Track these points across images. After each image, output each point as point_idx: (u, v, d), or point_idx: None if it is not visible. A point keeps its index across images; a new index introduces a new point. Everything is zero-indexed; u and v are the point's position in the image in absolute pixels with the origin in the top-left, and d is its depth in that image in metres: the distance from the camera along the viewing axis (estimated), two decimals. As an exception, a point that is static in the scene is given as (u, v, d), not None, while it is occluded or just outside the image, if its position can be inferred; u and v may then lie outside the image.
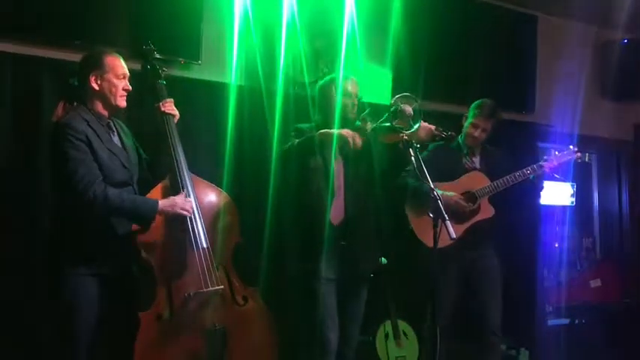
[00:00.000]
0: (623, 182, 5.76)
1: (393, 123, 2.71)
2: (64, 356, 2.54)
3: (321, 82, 3.15)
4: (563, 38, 5.10)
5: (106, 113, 2.61)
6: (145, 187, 2.70)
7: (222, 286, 2.67)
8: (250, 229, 3.17)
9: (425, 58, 4.24)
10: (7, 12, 3.12)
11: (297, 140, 2.93)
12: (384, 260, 3.57)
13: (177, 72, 3.53)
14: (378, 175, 3.00)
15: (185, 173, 2.71)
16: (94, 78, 2.54)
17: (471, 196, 3.50)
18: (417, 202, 3.38)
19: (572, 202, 5.58)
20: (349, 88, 3.00)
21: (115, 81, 2.57)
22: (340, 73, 3.17)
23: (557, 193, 5.39)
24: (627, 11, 4.78)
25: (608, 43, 5.43)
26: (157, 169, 2.79)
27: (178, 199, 2.60)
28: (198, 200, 2.71)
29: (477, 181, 3.53)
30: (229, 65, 3.70)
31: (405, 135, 2.67)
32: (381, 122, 2.80)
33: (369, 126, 2.87)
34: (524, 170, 3.50)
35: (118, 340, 2.56)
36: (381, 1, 4.09)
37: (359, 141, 2.81)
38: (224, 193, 2.89)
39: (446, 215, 2.49)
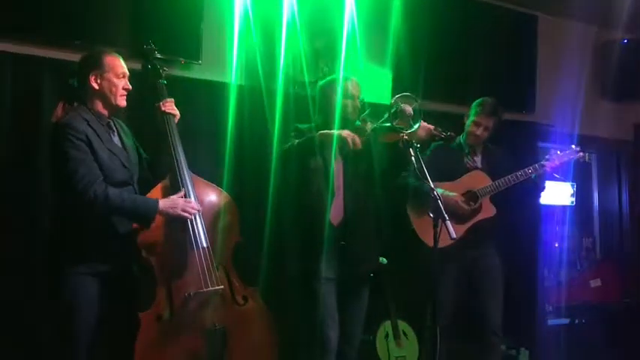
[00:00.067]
0: (623, 182, 5.76)
1: (393, 123, 2.71)
2: (64, 356, 2.54)
3: (321, 83, 3.15)
4: (563, 38, 5.10)
5: (106, 113, 2.61)
6: (146, 186, 2.70)
7: (222, 286, 2.67)
8: (250, 229, 3.17)
9: (425, 57, 4.24)
10: (7, 12, 3.11)
11: (297, 141, 2.92)
12: (384, 260, 3.57)
13: (177, 72, 3.53)
14: (378, 175, 3.00)
15: (185, 173, 2.70)
16: (93, 77, 2.54)
17: (472, 196, 3.50)
18: (418, 201, 3.38)
19: (572, 202, 5.58)
20: (350, 88, 3.00)
21: (115, 80, 2.57)
22: (340, 73, 3.17)
23: (557, 193, 5.39)
24: (627, 11, 4.78)
25: (608, 43, 5.43)
26: (157, 169, 2.79)
27: (180, 201, 2.60)
28: (199, 200, 2.71)
29: (478, 180, 3.53)
30: (229, 65, 3.70)
31: (405, 135, 2.67)
32: (381, 122, 2.80)
33: (369, 126, 2.87)
34: (526, 169, 3.50)
35: (118, 340, 2.56)
36: (381, 0, 4.09)
37: (358, 142, 2.81)
38: (224, 193, 2.88)
39: (446, 215, 2.49)
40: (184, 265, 2.63)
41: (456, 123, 3.70)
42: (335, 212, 2.95)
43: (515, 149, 4.05)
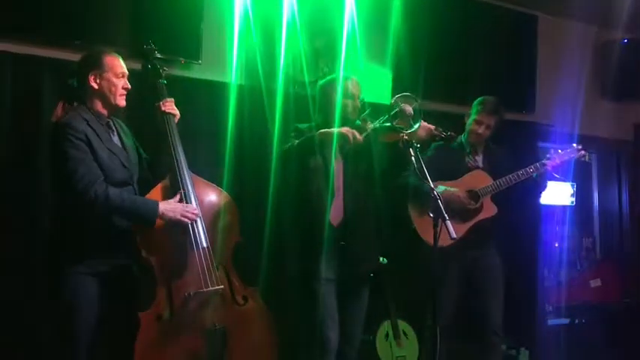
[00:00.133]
0: (623, 182, 5.76)
1: (393, 123, 2.71)
2: (64, 356, 2.54)
3: (321, 82, 3.15)
4: (563, 38, 5.10)
5: (105, 112, 2.61)
6: (145, 186, 2.70)
7: (222, 286, 2.66)
8: (250, 229, 3.17)
9: (425, 57, 4.24)
10: (7, 12, 3.11)
11: (296, 141, 2.92)
12: (384, 260, 3.57)
13: (177, 71, 3.53)
14: (378, 174, 2.99)
15: (185, 173, 2.70)
16: (93, 77, 2.54)
17: (473, 195, 3.49)
18: (419, 201, 3.37)
19: (572, 202, 5.58)
20: (350, 88, 3.00)
21: (115, 80, 2.57)
22: (340, 73, 3.17)
23: (557, 193, 5.39)
24: (627, 11, 4.78)
25: (608, 43, 5.43)
26: (157, 169, 2.78)
27: (179, 205, 2.60)
28: (198, 200, 2.71)
29: (479, 179, 3.53)
30: (229, 65, 3.70)
31: (405, 135, 2.67)
32: (382, 122, 2.80)
33: (370, 125, 2.86)
34: (527, 168, 3.50)
35: (118, 340, 2.56)
36: (381, 0, 4.09)
37: (360, 137, 2.80)
38: (224, 193, 2.88)
39: (446, 215, 2.49)
40: (184, 265, 2.63)
41: (456, 123, 3.69)
42: (335, 212, 2.95)
43: (515, 149, 4.05)
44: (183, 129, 2.87)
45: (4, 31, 3.14)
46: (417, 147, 2.66)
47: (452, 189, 3.43)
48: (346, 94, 2.97)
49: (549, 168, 3.52)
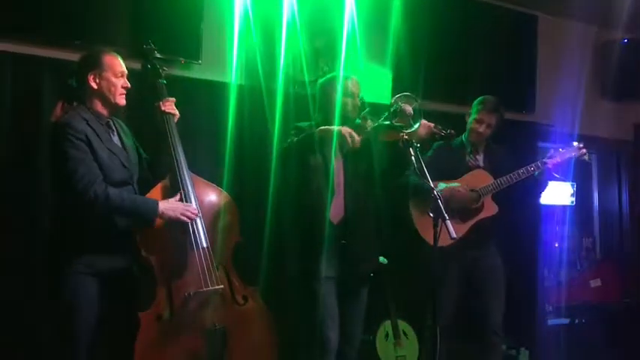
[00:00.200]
0: (623, 182, 5.76)
1: (393, 121, 2.71)
2: (64, 356, 2.54)
3: (321, 80, 3.15)
4: (563, 38, 5.10)
5: (105, 112, 2.61)
6: (145, 186, 2.70)
7: (222, 286, 2.67)
8: (250, 229, 3.17)
9: (425, 57, 4.24)
10: (7, 12, 3.11)
11: (296, 138, 2.92)
12: (384, 260, 3.57)
13: (177, 71, 3.53)
14: (378, 174, 2.99)
15: (185, 173, 2.70)
16: (92, 77, 2.54)
17: (474, 194, 3.49)
18: (420, 200, 3.37)
19: (572, 202, 5.58)
20: (350, 87, 3.00)
21: (114, 79, 2.57)
22: (340, 72, 3.17)
23: (557, 193, 5.39)
24: (627, 11, 4.78)
25: (608, 43, 5.43)
26: (157, 169, 2.78)
27: (179, 204, 2.60)
28: (198, 200, 2.71)
29: (480, 179, 3.53)
30: (229, 64, 3.70)
31: (405, 134, 2.67)
32: (382, 120, 2.80)
33: (370, 124, 2.86)
34: (528, 167, 3.49)
35: (118, 340, 2.56)
36: (381, 0, 4.09)
37: (358, 140, 2.80)
38: (224, 193, 2.88)
39: (446, 215, 2.49)
40: (184, 264, 2.63)
41: (456, 123, 3.68)
42: (335, 211, 2.95)
43: (515, 149, 4.05)
44: (183, 129, 2.87)
45: (4, 31, 3.14)
46: (417, 147, 2.66)
47: (453, 184, 3.42)
48: (346, 93, 2.97)
49: (550, 166, 3.51)
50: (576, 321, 5.13)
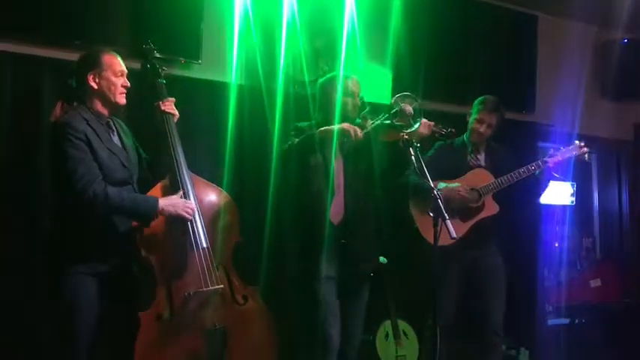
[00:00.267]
0: (623, 182, 5.76)
1: (393, 121, 2.71)
2: (64, 356, 2.53)
3: (321, 80, 3.15)
4: (563, 38, 5.10)
5: (105, 112, 2.60)
6: (145, 186, 2.70)
7: (222, 286, 2.67)
8: (250, 229, 3.17)
9: (425, 57, 4.25)
10: (7, 12, 3.11)
11: (296, 139, 2.92)
12: (384, 260, 3.57)
13: (177, 71, 3.53)
14: (378, 174, 2.99)
15: (185, 173, 2.70)
16: (92, 77, 2.54)
17: (475, 194, 3.49)
18: (421, 199, 3.37)
19: (572, 202, 5.58)
20: (350, 86, 3.00)
21: (114, 79, 2.56)
22: (340, 72, 3.17)
23: (557, 193, 5.39)
24: (627, 11, 4.78)
25: (608, 43, 5.43)
26: (156, 169, 2.78)
27: (179, 201, 2.60)
28: (198, 200, 2.71)
29: (481, 178, 3.53)
30: (229, 64, 3.70)
31: (405, 134, 2.67)
32: (382, 120, 2.80)
33: (370, 123, 2.86)
34: (529, 166, 3.49)
35: (118, 340, 2.55)
36: (381, 0, 4.09)
37: (360, 133, 2.80)
38: (224, 193, 2.88)
39: (446, 214, 2.49)
40: (184, 264, 2.63)
41: (456, 123, 3.67)
42: (335, 211, 2.95)
43: (515, 149, 4.06)
44: (183, 129, 2.87)
45: (4, 31, 3.14)
46: (417, 146, 2.66)
47: (453, 184, 3.42)
48: (346, 92, 2.98)
49: (551, 165, 3.51)
50: (576, 321, 5.13)
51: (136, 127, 2.91)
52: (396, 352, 3.86)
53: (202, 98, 3.65)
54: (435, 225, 2.53)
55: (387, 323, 3.89)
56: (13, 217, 3.14)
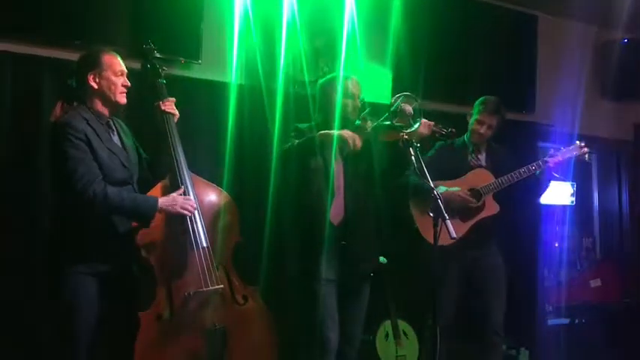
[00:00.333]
0: (623, 182, 5.77)
1: (393, 121, 2.71)
2: (64, 356, 2.53)
3: (321, 81, 3.15)
4: (563, 38, 5.10)
5: (106, 112, 2.60)
6: (145, 186, 2.70)
7: (222, 286, 2.67)
8: (250, 229, 3.17)
9: (425, 57, 4.25)
10: (7, 12, 3.11)
11: (296, 141, 2.92)
12: (384, 260, 3.57)
13: (177, 71, 3.53)
14: (378, 174, 2.99)
15: (185, 172, 2.70)
16: (92, 77, 2.54)
17: (475, 194, 3.49)
18: (421, 199, 3.37)
19: (572, 202, 5.58)
20: (350, 87, 2.99)
21: (114, 78, 2.56)
22: (340, 72, 3.17)
23: (557, 193, 5.39)
24: (627, 11, 4.78)
25: (608, 43, 5.43)
26: (156, 169, 2.78)
27: (179, 198, 2.60)
28: (198, 199, 2.71)
29: (482, 178, 3.53)
30: (229, 64, 3.70)
31: (405, 134, 2.67)
32: (382, 120, 2.80)
33: (370, 125, 2.86)
34: (530, 166, 3.49)
35: (118, 340, 2.55)
36: (381, 0, 4.09)
37: (359, 142, 2.81)
38: (224, 193, 2.88)
39: (446, 215, 2.49)
40: (184, 264, 2.63)
41: (456, 123, 3.66)
42: (335, 212, 2.95)
43: (515, 149, 4.06)
44: (183, 129, 2.87)
45: (4, 31, 3.14)
46: (417, 146, 2.66)
47: (452, 189, 3.42)
48: (346, 94, 2.97)
49: (551, 165, 3.51)
50: (576, 321, 5.13)
51: (136, 127, 2.91)
52: (396, 352, 3.86)
53: (202, 98, 3.65)
54: (435, 225, 2.53)
55: (387, 323, 3.89)
56: (13, 217, 3.14)
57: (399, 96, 2.76)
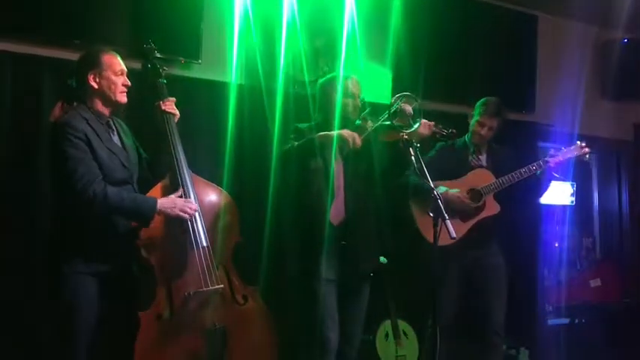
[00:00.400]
0: (623, 182, 5.76)
1: (393, 121, 2.71)
2: (64, 356, 2.53)
3: (321, 81, 3.15)
4: (563, 38, 5.11)
5: (106, 111, 2.60)
6: (145, 186, 2.70)
7: (222, 285, 2.67)
8: (250, 229, 3.17)
9: (425, 57, 4.25)
10: (7, 12, 3.11)
11: (296, 142, 2.92)
12: (384, 260, 3.57)
13: (177, 71, 3.53)
14: (378, 174, 2.99)
15: (185, 172, 2.70)
16: (92, 77, 2.54)
17: (476, 194, 3.49)
18: (421, 199, 3.37)
19: (572, 202, 5.58)
20: (350, 87, 2.99)
21: (114, 78, 2.56)
22: (340, 72, 3.17)
23: (557, 193, 5.39)
24: (627, 11, 4.78)
25: (608, 43, 5.43)
26: (157, 168, 2.78)
27: (179, 200, 2.60)
28: (198, 199, 2.70)
29: (482, 178, 3.53)
30: (229, 64, 3.70)
31: (405, 134, 2.67)
32: (382, 120, 2.80)
33: (370, 125, 2.86)
34: (530, 166, 3.49)
35: (118, 340, 2.55)
36: (381, 0, 4.09)
37: (359, 140, 2.81)
38: (224, 193, 2.88)
39: (446, 215, 2.49)
40: (184, 264, 2.63)
41: (456, 123, 3.66)
42: (336, 212, 2.95)
43: (515, 149, 4.06)
44: (183, 129, 2.87)
45: (4, 31, 3.14)
46: (417, 146, 2.66)
47: (453, 190, 3.43)
48: (346, 93, 2.97)
49: (552, 165, 3.51)
50: (576, 321, 5.13)
51: (136, 126, 2.91)
52: (396, 352, 3.86)
53: (202, 98, 3.65)
54: (435, 225, 2.53)
55: (387, 323, 3.89)
56: (13, 217, 3.14)
57: (399, 96, 2.76)
